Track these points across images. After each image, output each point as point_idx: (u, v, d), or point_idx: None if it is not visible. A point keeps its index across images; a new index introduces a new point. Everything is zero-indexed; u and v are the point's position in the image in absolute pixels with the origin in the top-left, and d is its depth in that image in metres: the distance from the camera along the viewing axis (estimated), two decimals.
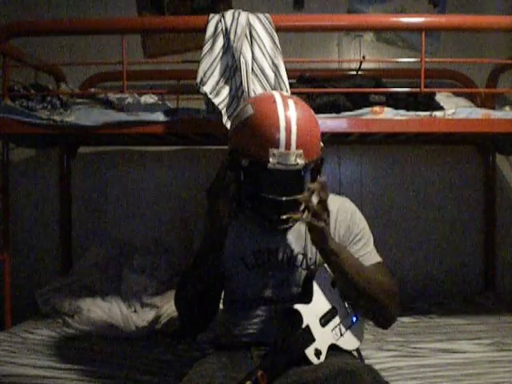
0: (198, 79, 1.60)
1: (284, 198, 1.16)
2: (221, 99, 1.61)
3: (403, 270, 2.49)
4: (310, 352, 1.16)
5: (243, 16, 1.65)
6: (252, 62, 1.61)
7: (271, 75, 1.62)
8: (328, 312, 1.23)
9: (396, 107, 1.74)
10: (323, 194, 1.13)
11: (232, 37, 1.61)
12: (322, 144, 1.23)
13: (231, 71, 1.62)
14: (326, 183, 1.15)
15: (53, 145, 2.39)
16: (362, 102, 1.76)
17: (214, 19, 1.66)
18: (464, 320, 1.98)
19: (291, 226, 1.27)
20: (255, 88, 1.59)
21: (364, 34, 2.52)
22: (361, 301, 1.23)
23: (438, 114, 1.73)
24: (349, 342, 1.25)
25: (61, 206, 2.49)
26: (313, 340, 1.17)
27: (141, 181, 2.55)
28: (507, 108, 1.96)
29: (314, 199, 1.13)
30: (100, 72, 2.40)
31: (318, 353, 1.16)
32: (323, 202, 1.13)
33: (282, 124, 1.14)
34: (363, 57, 1.97)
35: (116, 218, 2.55)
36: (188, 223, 2.49)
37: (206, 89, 1.59)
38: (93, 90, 2.27)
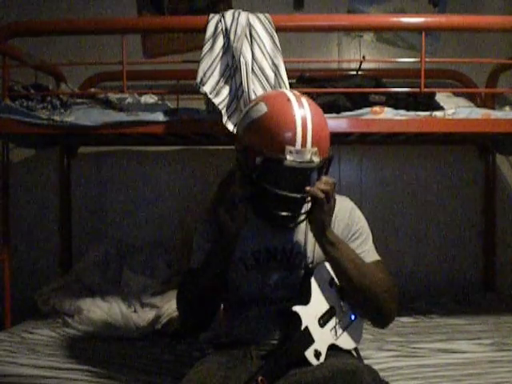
0: (198, 79, 1.60)
1: (299, 195, 1.17)
2: (221, 99, 1.61)
3: (403, 269, 2.49)
4: (309, 354, 1.16)
5: (243, 16, 1.65)
6: (252, 62, 1.61)
7: (271, 75, 1.62)
8: (326, 312, 1.23)
9: (396, 107, 1.74)
10: (331, 191, 1.16)
11: (232, 37, 1.61)
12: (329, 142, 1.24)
13: (231, 71, 1.62)
14: (335, 184, 1.19)
15: (53, 145, 2.38)
16: (362, 102, 1.76)
17: (214, 19, 1.66)
18: (464, 320, 1.98)
19: (300, 223, 1.26)
20: (255, 88, 1.59)
21: (364, 34, 2.52)
22: (359, 296, 1.22)
23: (437, 113, 1.73)
24: (347, 341, 1.25)
25: (61, 206, 2.49)
26: (312, 341, 1.17)
27: (141, 181, 2.55)
28: (507, 108, 1.96)
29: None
30: (100, 72, 2.40)
31: (317, 354, 1.16)
32: (328, 194, 1.15)
33: (299, 122, 1.15)
34: (363, 57, 1.96)
35: (116, 218, 2.55)
36: (188, 223, 2.49)
37: (206, 89, 1.59)
38: (93, 90, 2.27)
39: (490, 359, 1.58)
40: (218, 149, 2.47)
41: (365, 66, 2.24)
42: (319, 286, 1.24)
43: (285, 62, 1.65)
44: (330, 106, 1.73)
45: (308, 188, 1.16)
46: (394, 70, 2.40)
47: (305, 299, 1.22)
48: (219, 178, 2.44)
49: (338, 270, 1.22)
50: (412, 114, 1.73)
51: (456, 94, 2.10)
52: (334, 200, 1.19)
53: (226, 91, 1.61)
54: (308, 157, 1.14)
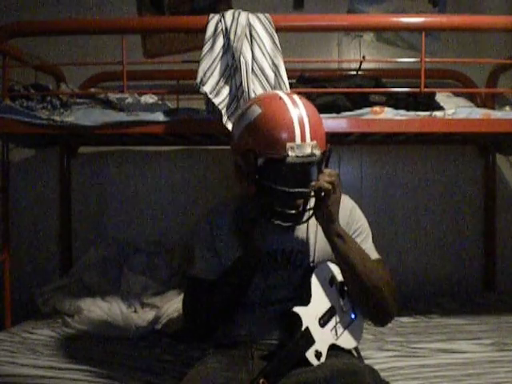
0: (198, 79, 1.60)
1: (306, 190, 1.17)
2: (221, 99, 1.61)
3: (403, 269, 2.49)
4: (310, 354, 1.16)
5: (243, 16, 1.65)
6: (252, 62, 1.61)
7: (271, 75, 1.62)
8: (327, 312, 1.23)
9: (396, 107, 1.74)
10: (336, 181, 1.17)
11: (232, 37, 1.61)
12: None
13: (231, 71, 1.62)
14: (339, 175, 1.20)
15: (53, 145, 2.39)
16: (362, 102, 1.76)
17: (213, 19, 1.66)
18: (464, 320, 1.98)
19: (307, 220, 1.26)
20: (255, 88, 1.59)
21: (364, 34, 2.52)
22: (362, 292, 1.22)
23: (437, 113, 1.73)
24: (348, 340, 1.25)
25: (61, 206, 2.49)
26: (313, 342, 1.17)
27: (141, 181, 2.55)
28: (507, 108, 1.96)
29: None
30: (100, 72, 2.40)
31: (318, 354, 1.16)
32: (334, 184, 1.16)
33: (295, 118, 1.16)
34: (363, 57, 1.96)
35: (116, 218, 2.55)
36: (188, 223, 2.49)
37: (206, 89, 1.59)
38: (93, 90, 2.27)
39: (490, 359, 1.57)
40: (217, 149, 2.47)
41: (365, 65, 2.24)
42: (319, 285, 1.24)
43: (285, 62, 1.65)
44: (329, 106, 1.73)
45: (313, 182, 1.17)
46: (394, 70, 2.40)
47: (305, 299, 1.22)
48: (218, 179, 2.47)
49: (344, 263, 1.22)
50: (412, 114, 1.73)
51: (456, 94, 2.10)
52: (340, 191, 1.20)
53: (225, 91, 1.61)
54: (309, 150, 1.15)
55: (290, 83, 1.65)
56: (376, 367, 1.17)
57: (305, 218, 1.25)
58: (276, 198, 1.19)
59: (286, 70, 1.65)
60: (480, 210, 2.51)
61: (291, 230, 1.30)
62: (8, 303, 1.97)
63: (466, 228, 2.53)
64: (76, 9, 2.50)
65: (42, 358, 1.59)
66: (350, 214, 1.32)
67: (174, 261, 2.21)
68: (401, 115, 1.72)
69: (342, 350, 1.24)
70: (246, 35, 1.63)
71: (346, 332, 1.25)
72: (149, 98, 1.85)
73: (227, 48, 1.63)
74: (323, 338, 1.19)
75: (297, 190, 1.17)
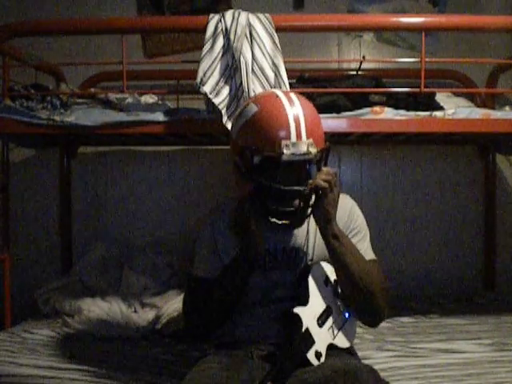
0: (198, 79, 1.60)
1: (302, 188, 1.17)
2: (221, 99, 1.61)
3: (403, 269, 2.50)
4: (311, 355, 1.16)
5: (243, 16, 1.65)
6: (252, 62, 1.61)
7: (271, 75, 1.62)
8: (324, 312, 1.23)
9: (396, 107, 1.74)
10: (333, 180, 1.17)
11: (232, 37, 1.61)
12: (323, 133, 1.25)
13: (231, 71, 1.62)
14: (337, 174, 1.20)
15: (53, 145, 2.39)
16: (362, 102, 1.76)
17: (213, 19, 1.66)
18: (464, 320, 1.98)
19: (305, 219, 1.25)
20: (255, 88, 1.59)
21: (364, 34, 2.52)
22: (355, 293, 1.22)
23: (437, 113, 1.73)
24: (344, 340, 1.25)
25: (61, 206, 2.49)
26: (313, 342, 1.17)
27: (141, 181, 2.55)
28: (507, 108, 1.96)
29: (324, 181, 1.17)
30: (100, 72, 2.40)
31: (318, 355, 1.16)
32: (331, 183, 1.16)
33: (290, 116, 1.17)
34: (363, 57, 1.96)
35: (116, 218, 2.55)
36: (188, 223, 2.49)
37: (206, 89, 1.59)
38: (93, 90, 2.27)
39: (490, 359, 1.57)
40: (217, 149, 2.47)
41: (365, 65, 2.24)
42: (316, 285, 1.24)
43: (285, 62, 1.65)
44: (329, 106, 1.73)
45: (310, 181, 1.17)
46: (394, 70, 2.40)
47: (303, 300, 1.22)
48: (218, 178, 2.47)
49: (338, 263, 1.21)
50: (412, 114, 1.73)
51: (456, 94, 2.10)
52: (338, 191, 1.20)
53: (226, 91, 1.61)
54: (304, 148, 1.15)
55: (290, 83, 1.65)
56: (376, 367, 1.16)
57: (301, 217, 1.24)
58: (272, 196, 1.18)
59: (286, 70, 1.65)
60: (480, 210, 2.51)
61: (291, 228, 1.30)
62: (8, 303, 1.97)
63: (466, 228, 2.53)
64: (76, 9, 2.50)
65: (42, 358, 1.59)
66: (350, 212, 1.32)
67: (174, 261, 2.21)
68: (401, 115, 1.72)
69: (339, 349, 1.24)
70: (246, 35, 1.63)
71: (342, 331, 1.25)
72: (149, 98, 1.85)
73: (227, 48, 1.62)
74: (322, 338, 1.20)
75: (291, 187, 1.16)
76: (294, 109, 1.18)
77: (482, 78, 2.31)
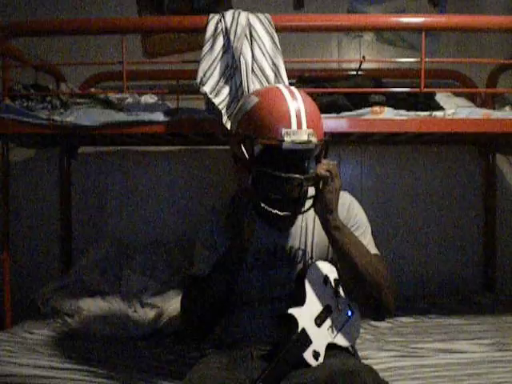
0: (198, 79, 1.60)
1: (302, 176, 1.17)
2: (221, 99, 1.61)
3: (403, 269, 2.49)
4: (308, 355, 1.15)
5: (243, 16, 1.65)
6: (252, 62, 1.61)
7: (271, 75, 1.62)
8: (322, 311, 1.22)
9: (396, 107, 1.74)
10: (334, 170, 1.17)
11: (232, 37, 1.61)
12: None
13: (231, 71, 1.62)
14: (338, 166, 1.19)
15: (53, 145, 2.39)
16: (362, 101, 1.76)
17: (213, 19, 1.66)
18: (464, 320, 1.98)
19: (304, 212, 1.25)
20: (255, 88, 1.59)
21: (364, 34, 2.52)
22: (360, 285, 1.21)
23: (437, 114, 1.73)
24: (345, 338, 1.25)
25: (61, 206, 2.49)
26: (310, 342, 1.17)
27: (141, 181, 2.55)
28: (507, 108, 1.96)
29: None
30: (100, 72, 2.40)
31: (316, 355, 1.16)
32: (332, 173, 1.17)
33: (291, 105, 1.18)
34: (363, 57, 1.96)
35: (116, 218, 2.55)
36: (188, 223, 2.49)
37: (206, 89, 1.59)
38: (93, 90, 2.27)
39: (490, 359, 1.57)
40: (217, 149, 2.47)
41: (365, 66, 2.23)
42: (313, 285, 1.23)
43: (285, 62, 1.65)
44: (329, 106, 1.73)
45: (311, 170, 1.18)
46: (394, 70, 2.40)
47: (300, 300, 1.22)
48: (218, 179, 2.47)
49: (342, 256, 1.20)
50: (412, 113, 1.73)
51: (456, 94, 2.10)
52: (340, 182, 1.19)
53: (226, 91, 1.61)
54: (305, 137, 1.15)
55: (290, 83, 1.65)
56: (376, 367, 1.16)
57: (302, 208, 1.24)
58: (272, 184, 1.18)
59: (286, 70, 1.65)
60: (480, 210, 2.51)
61: (289, 226, 1.31)
62: (8, 303, 1.97)
63: (466, 228, 2.53)
64: (76, 9, 2.50)
65: (42, 358, 1.59)
66: (349, 208, 1.32)
67: (174, 261, 2.21)
68: (401, 115, 1.72)
69: (340, 348, 1.24)
70: (245, 35, 1.63)
71: (344, 330, 1.24)
72: (149, 98, 1.86)
73: (227, 48, 1.62)
74: (320, 337, 1.19)
75: (292, 175, 1.16)
76: (295, 100, 1.19)
77: (482, 78, 2.30)
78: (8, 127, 1.74)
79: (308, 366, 1.15)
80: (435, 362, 1.57)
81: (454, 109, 1.75)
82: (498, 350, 1.64)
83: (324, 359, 1.17)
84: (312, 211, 1.23)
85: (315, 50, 2.50)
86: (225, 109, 1.60)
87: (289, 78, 1.65)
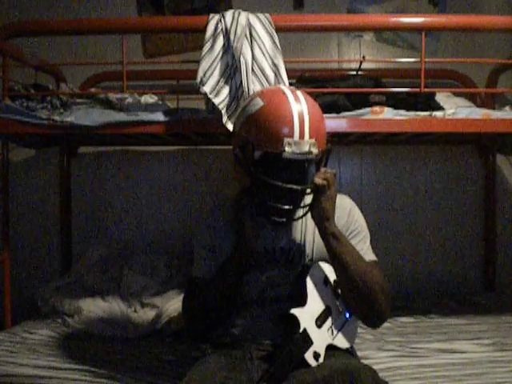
0: (198, 79, 1.60)
1: (300, 187, 1.17)
2: (221, 99, 1.61)
3: (403, 269, 2.49)
4: (309, 356, 1.15)
5: (243, 16, 1.65)
6: (252, 62, 1.61)
7: (271, 75, 1.62)
8: (323, 312, 1.23)
9: (396, 107, 1.74)
10: (331, 179, 1.18)
11: (232, 37, 1.61)
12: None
13: (231, 71, 1.62)
14: (336, 175, 1.21)
15: (53, 145, 2.39)
16: (362, 101, 1.76)
17: (213, 19, 1.66)
18: (464, 320, 1.98)
19: (300, 218, 1.26)
20: (255, 88, 1.59)
21: (364, 34, 2.52)
22: (356, 293, 1.21)
23: (437, 114, 1.73)
24: (344, 340, 1.25)
25: (61, 206, 2.49)
26: (311, 343, 1.17)
27: (141, 181, 2.55)
28: (507, 108, 1.96)
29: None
30: (100, 72, 2.40)
31: (316, 355, 1.16)
32: (329, 181, 1.17)
33: (295, 114, 1.17)
34: (363, 57, 1.96)
35: (116, 218, 2.55)
36: (188, 223, 2.49)
37: (206, 89, 1.59)
38: (93, 89, 2.27)
39: (490, 359, 1.57)
40: (218, 149, 2.47)
41: (365, 65, 2.24)
42: (315, 286, 1.24)
43: (285, 62, 1.65)
44: (329, 106, 1.73)
45: (311, 179, 1.18)
46: (394, 70, 2.40)
47: (301, 300, 1.22)
48: (218, 178, 2.47)
49: (338, 263, 1.21)
50: (412, 114, 1.73)
51: (456, 94, 2.10)
52: (335, 190, 1.20)
53: (226, 91, 1.61)
54: (306, 148, 1.16)
55: (289, 83, 1.65)
56: (376, 367, 1.17)
57: (299, 214, 1.25)
58: (270, 192, 1.19)
59: (286, 70, 1.65)
60: (480, 210, 2.51)
61: (289, 227, 1.31)
62: (8, 303, 1.97)
63: (466, 228, 2.53)
64: (76, 9, 2.50)
65: (42, 358, 1.59)
66: (349, 213, 1.32)
67: (174, 261, 2.21)
68: (401, 115, 1.72)
69: (339, 350, 1.24)
70: (245, 35, 1.63)
71: (342, 332, 1.25)
72: (149, 98, 1.85)
73: (227, 48, 1.62)
74: (320, 338, 1.19)
75: (290, 186, 1.16)
76: (300, 107, 1.18)
77: (482, 77, 2.30)
78: (8, 127, 1.74)
79: (308, 366, 1.15)
80: (435, 362, 1.57)
81: (454, 109, 1.75)
82: (498, 350, 1.64)
83: (324, 359, 1.17)
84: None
85: (315, 50, 2.50)
86: (225, 109, 1.61)
87: (289, 78, 1.65)
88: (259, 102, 1.21)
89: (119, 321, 1.87)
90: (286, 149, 1.14)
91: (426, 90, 1.73)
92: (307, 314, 1.20)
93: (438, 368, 1.52)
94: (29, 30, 1.82)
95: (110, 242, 2.37)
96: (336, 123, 1.71)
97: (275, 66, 1.63)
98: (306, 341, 1.17)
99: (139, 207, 2.55)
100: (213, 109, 1.64)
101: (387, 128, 1.73)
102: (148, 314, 1.90)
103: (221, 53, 1.62)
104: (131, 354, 1.66)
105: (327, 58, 2.53)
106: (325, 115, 1.67)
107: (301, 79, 1.92)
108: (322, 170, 1.20)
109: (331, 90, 1.79)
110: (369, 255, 1.30)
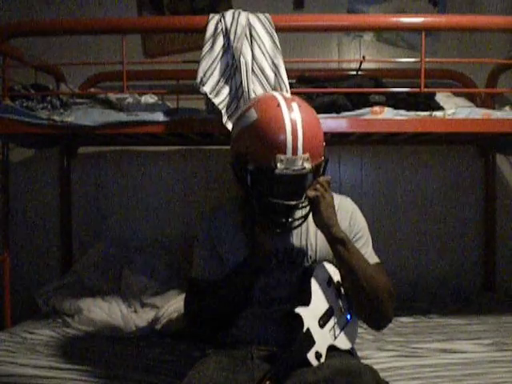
0: (198, 79, 1.60)
1: (293, 203, 1.17)
2: (221, 99, 1.61)
3: (403, 269, 2.49)
4: (311, 356, 1.16)
5: (243, 16, 1.65)
6: (252, 62, 1.61)
7: (271, 75, 1.62)
8: (326, 312, 1.23)
9: (396, 107, 1.74)
10: (323, 189, 1.18)
11: (232, 37, 1.61)
12: (324, 144, 1.24)
13: (231, 71, 1.62)
14: (330, 181, 1.21)
15: (53, 145, 2.39)
16: (362, 101, 1.76)
17: (213, 19, 1.66)
18: (464, 320, 1.98)
19: (296, 227, 1.26)
20: (255, 88, 1.59)
21: (364, 34, 2.52)
22: (361, 297, 1.22)
23: (437, 114, 1.73)
24: (345, 341, 1.25)
25: (61, 206, 2.49)
26: (313, 343, 1.17)
27: (141, 181, 2.55)
28: (507, 108, 1.96)
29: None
30: (100, 72, 2.40)
31: (318, 355, 1.16)
32: (321, 192, 1.18)
33: (288, 129, 1.14)
34: (363, 57, 1.96)
35: (116, 218, 2.55)
36: (188, 223, 2.49)
37: (206, 89, 1.59)
38: (93, 90, 2.27)
39: (490, 359, 1.57)
40: (217, 149, 2.47)
41: (365, 65, 2.24)
42: (319, 286, 1.24)
43: (285, 62, 1.65)
44: (329, 106, 1.73)
45: (303, 198, 1.19)
46: (394, 70, 2.40)
47: (305, 300, 1.22)
48: (218, 178, 2.47)
49: (345, 268, 1.21)
50: (412, 113, 1.73)
51: (456, 94, 2.10)
52: (331, 196, 1.20)
53: (226, 91, 1.61)
54: (299, 164, 1.15)
55: (290, 83, 1.65)
56: (376, 367, 1.16)
57: (294, 225, 1.25)
58: (263, 205, 1.19)
59: (286, 70, 1.65)
60: (480, 210, 2.51)
61: (291, 230, 1.30)
62: (8, 303, 1.97)
63: (466, 228, 2.53)
64: (76, 9, 2.50)
65: (42, 358, 1.59)
66: (351, 217, 1.32)
67: (174, 261, 2.21)
68: (401, 115, 1.72)
69: (340, 350, 1.24)
70: (245, 35, 1.63)
71: (343, 333, 1.25)
72: (149, 98, 1.85)
73: (227, 48, 1.62)
74: (323, 338, 1.19)
75: (282, 202, 1.17)
76: (294, 121, 1.15)
77: (482, 77, 2.30)
78: (8, 127, 1.74)
79: (309, 365, 1.15)
80: (435, 361, 1.57)
81: (454, 109, 1.75)
82: (498, 350, 1.64)
83: (325, 359, 1.17)
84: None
85: (315, 50, 2.50)
86: (225, 109, 1.61)
87: (289, 78, 1.65)
88: (253, 115, 1.19)
89: (119, 321, 1.86)
90: (278, 165, 1.13)
91: (426, 90, 1.73)
92: (311, 313, 1.20)
93: (438, 368, 1.52)
94: (29, 29, 1.82)
95: (110, 242, 2.37)
96: (336, 123, 1.71)
97: (275, 65, 1.63)
98: (309, 340, 1.17)
99: (139, 207, 2.55)
100: (213, 109, 1.64)
101: (387, 128, 1.73)
102: (148, 314, 1.90)
103: (221, 53, 1.62)
104: (131, 354, 1.66)
105: (327, 58, 2.53)
106: (325, 115, 1.70)
107: (301, 79, 1.92)
108: (315, 181, 1.20)
109: (331, 89, 1.79)
110: (372, 258, 1.30)
